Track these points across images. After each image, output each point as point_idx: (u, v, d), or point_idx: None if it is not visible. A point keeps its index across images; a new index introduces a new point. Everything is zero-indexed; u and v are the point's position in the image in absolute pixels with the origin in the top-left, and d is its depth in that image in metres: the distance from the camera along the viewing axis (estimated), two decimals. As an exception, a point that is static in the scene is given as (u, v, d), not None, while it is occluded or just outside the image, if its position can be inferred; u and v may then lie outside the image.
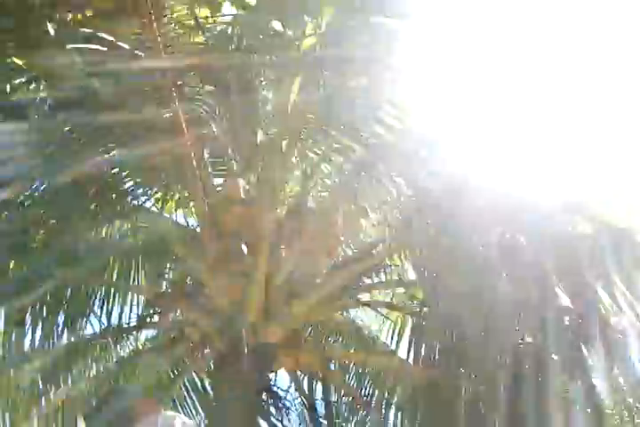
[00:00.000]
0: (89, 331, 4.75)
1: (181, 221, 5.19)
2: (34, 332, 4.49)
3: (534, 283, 3.78)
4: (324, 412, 4.38)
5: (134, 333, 4.78)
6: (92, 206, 4.66)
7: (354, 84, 3.76)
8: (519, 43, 3.46)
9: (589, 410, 3.75)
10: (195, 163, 4.13)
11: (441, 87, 3.65)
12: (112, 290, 4.82)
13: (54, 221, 4.52)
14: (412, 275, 4.72)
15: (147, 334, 4.92)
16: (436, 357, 4.34)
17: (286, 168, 4.40)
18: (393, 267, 4.64)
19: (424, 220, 4.01)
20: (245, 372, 3.50)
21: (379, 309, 4.71)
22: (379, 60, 3.64)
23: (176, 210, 5.41)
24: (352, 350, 4.50)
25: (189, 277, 4.43)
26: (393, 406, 4.71)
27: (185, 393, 5.05)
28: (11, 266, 4.45)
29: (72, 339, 4.68)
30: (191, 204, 5.21)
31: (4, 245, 4.25)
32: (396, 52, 3.62)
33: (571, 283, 3.81)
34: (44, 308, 4.54)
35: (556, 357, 3.81)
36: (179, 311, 4.38)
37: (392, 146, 3.95)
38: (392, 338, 5.03)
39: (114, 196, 4.70)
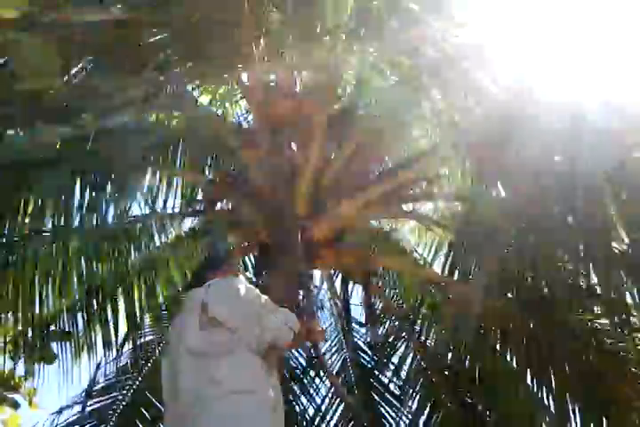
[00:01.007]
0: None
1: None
2: (80, 208, 4.56)
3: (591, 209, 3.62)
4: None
5: (178, 220, 4.84)
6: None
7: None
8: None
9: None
10: (254, 50, 4.00)
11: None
12: (157, 175, 4.82)
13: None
14: (454, 189, 4.61)
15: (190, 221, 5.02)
16: (472, 272, 4.33)
17: (343, 64, 4.19)
18: (439, 179, 4.50)
19: (484, 131, 3.80)
20: (288, 264, 3.50)
21: (420, 221, 4.64)
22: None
23: (223, 102, 5.31)
24: (389, 258, 4.47)
25: (237, 168, 4.38)
26: (421, 316, 4.78)
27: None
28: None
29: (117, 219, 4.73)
30: (239, 96, 5.16)
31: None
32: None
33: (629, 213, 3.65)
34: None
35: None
36: (225, 201, 4.41)
37: (460, 50, 3.68)
38: (429, 251, 5.05)
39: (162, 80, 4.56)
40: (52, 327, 5.01)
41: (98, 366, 4.65)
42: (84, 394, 4.58)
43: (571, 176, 3.47)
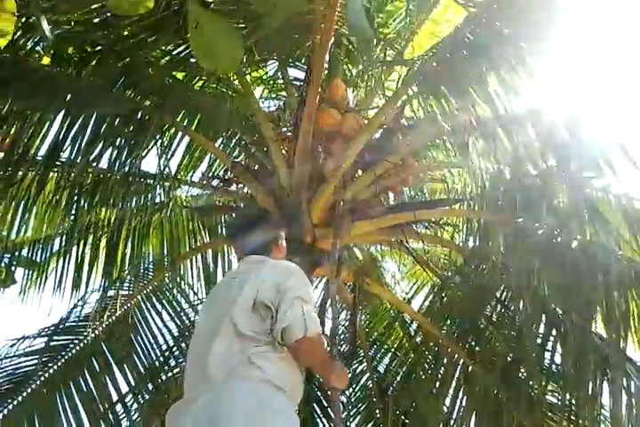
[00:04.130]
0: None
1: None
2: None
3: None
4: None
5: (186, 186, 4.87)
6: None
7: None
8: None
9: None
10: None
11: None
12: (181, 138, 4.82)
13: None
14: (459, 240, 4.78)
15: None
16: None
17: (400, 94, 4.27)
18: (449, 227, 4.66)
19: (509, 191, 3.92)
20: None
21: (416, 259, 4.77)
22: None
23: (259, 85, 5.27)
24: (374, 283, 4.59)
25: (265, 158, 4.42)
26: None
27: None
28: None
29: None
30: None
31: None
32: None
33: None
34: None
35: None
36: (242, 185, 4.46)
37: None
38: (411, 288, 5.22)
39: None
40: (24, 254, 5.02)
41: (75, 306, 4.66)
42: (52, 328, 4.61)
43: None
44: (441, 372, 4.54)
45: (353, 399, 4.96)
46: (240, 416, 1.91)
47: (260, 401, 1.97)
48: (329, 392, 2.81)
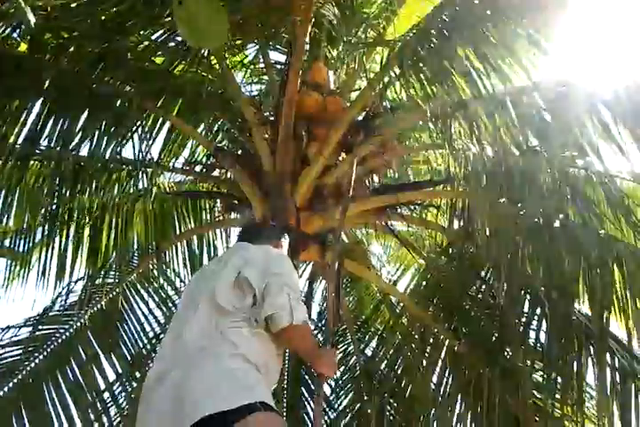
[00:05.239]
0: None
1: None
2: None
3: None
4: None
5: (168, 172, 4.83)
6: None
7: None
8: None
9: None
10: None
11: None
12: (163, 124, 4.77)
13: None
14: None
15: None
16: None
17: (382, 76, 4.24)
18: (434, 209, 4.66)
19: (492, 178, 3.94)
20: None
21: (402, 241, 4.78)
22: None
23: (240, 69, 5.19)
24: (360, 267, 4.61)
25: (248, 143, 4.39)
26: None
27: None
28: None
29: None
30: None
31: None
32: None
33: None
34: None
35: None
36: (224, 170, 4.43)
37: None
38: (397, 270, 5.23)
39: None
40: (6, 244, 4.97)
41: (59, 295, 4.64)
42: (36, 318, 4.58)
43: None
44: (427, 353, 4.57)
45: (340, 382, 4.99)
46: (208, 393, 1.89)
47: (230, 377, 1.96)
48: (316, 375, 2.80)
